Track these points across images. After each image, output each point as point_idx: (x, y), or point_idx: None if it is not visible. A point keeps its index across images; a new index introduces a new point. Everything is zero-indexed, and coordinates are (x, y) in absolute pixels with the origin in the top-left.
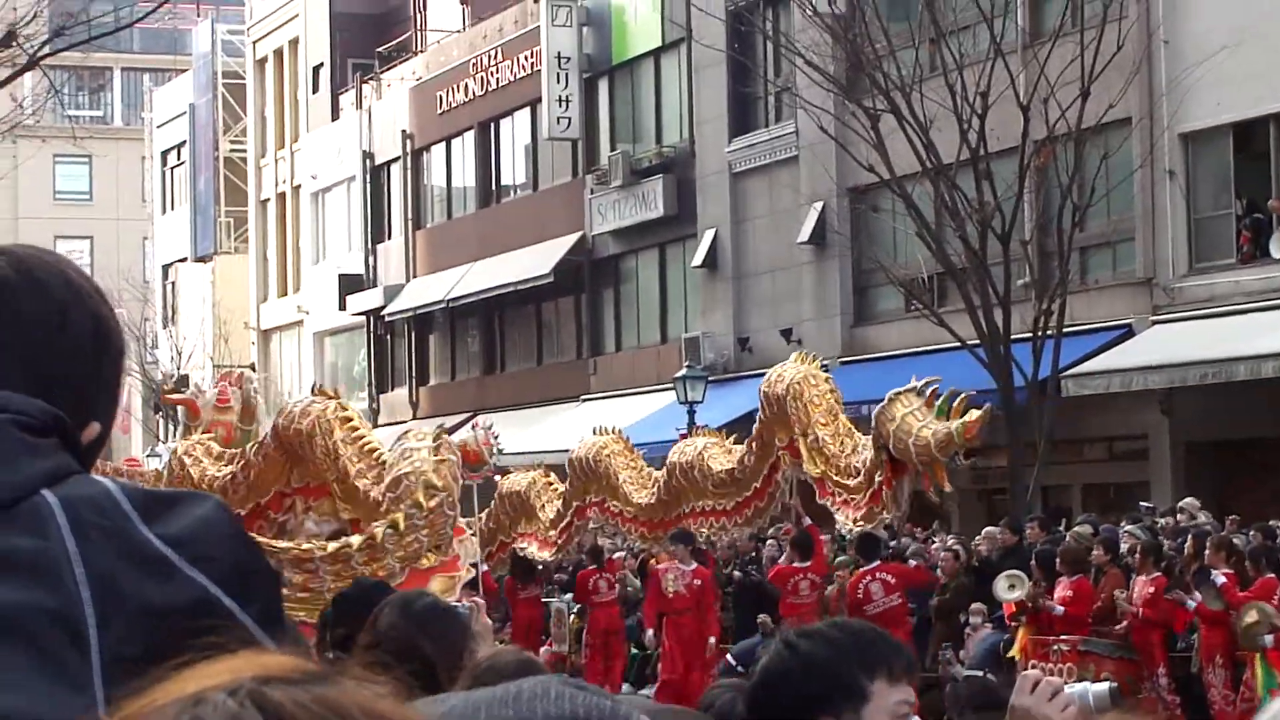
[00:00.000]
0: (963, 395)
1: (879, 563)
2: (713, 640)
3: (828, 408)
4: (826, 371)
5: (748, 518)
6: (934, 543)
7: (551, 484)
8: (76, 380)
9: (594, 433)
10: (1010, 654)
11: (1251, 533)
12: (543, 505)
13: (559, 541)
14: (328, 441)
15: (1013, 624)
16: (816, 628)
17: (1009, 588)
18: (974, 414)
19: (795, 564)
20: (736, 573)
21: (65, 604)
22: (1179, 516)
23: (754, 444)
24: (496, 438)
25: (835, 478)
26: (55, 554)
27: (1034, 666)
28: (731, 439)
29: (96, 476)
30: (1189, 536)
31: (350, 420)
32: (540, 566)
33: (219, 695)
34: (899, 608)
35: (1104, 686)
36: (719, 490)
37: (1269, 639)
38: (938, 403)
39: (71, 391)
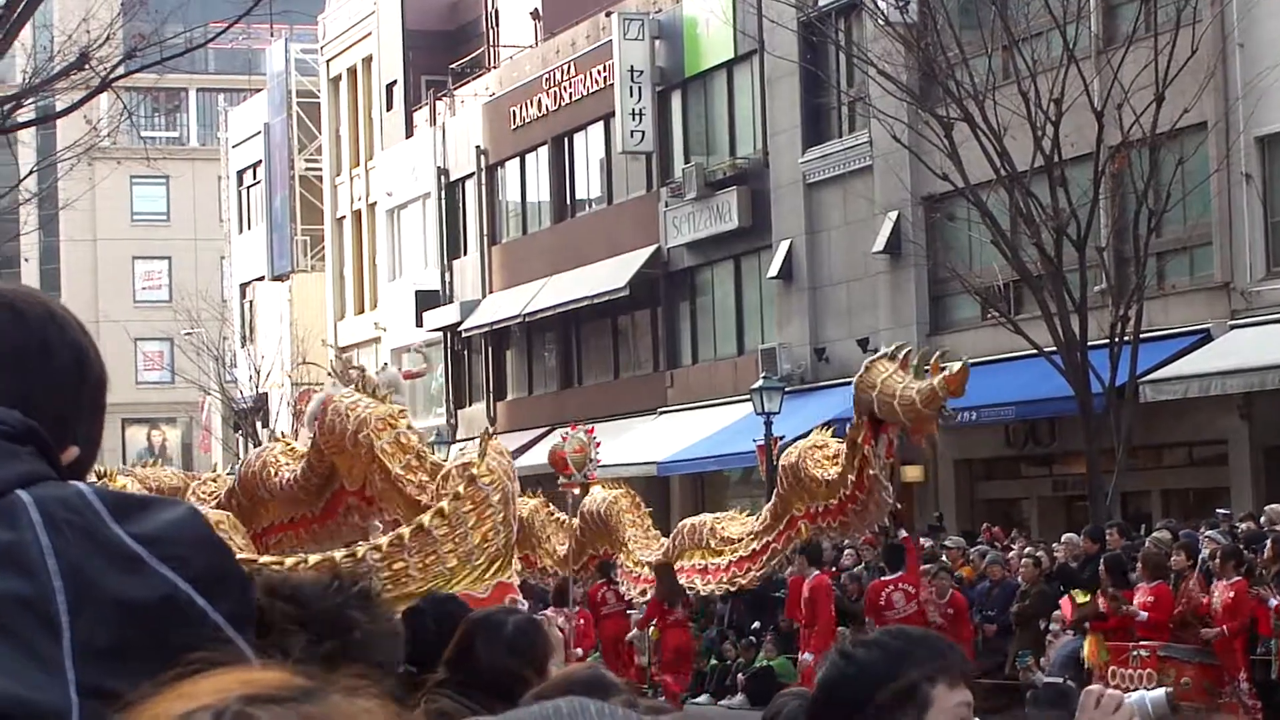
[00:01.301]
0: (938, 353)
1: (902, 573)
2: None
3: (834, 456)
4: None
5: (740, 576)
6: (1012, 550)
7: (553, 514)
8: (57, 407)
9: (603, 488)
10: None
11: None
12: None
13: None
14: (373, 443)
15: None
16: (873, 636)
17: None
18: (955, 366)
19: (887, 576)
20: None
21: (38, 593)
22: (1261, 520)
23: (771, 515)
24: (597, 444)
25: (822, 497)
26: (29, 546)
27: (1114, 673)
28: (746, 513)
29: (70, 482)
30: (1269, 540)
31: (396, 426)
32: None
33: (205, 716)
34: (917, 614)
35: (1161, 693)
36: (719, 550)
37: None
38: (913, 363)
39: (52, 417)
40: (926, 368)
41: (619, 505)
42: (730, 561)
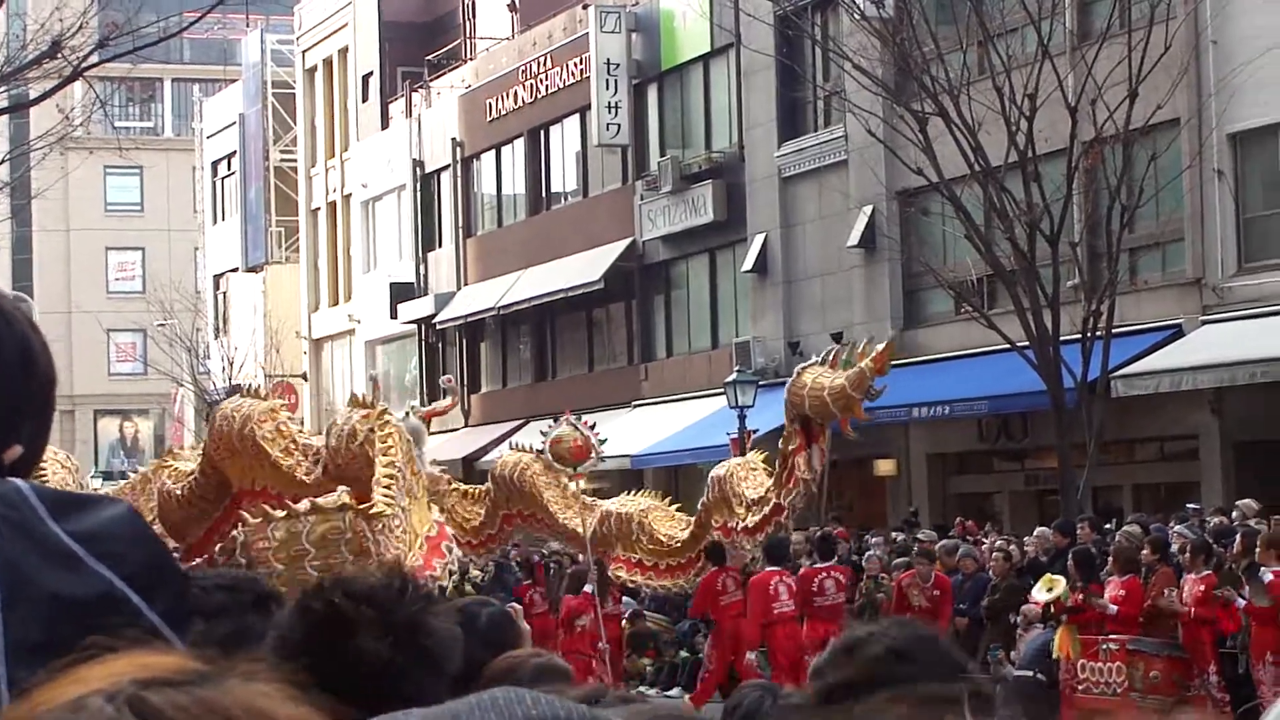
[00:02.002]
0: (864, 342)
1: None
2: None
3: (759, 482)
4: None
5: (670, 579)
6: (984, 543)
7: (454, 485)
8: (1, 404)
9: (511, 449)
10: (1054, 653)
11: None
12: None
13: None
14: (255, 435)
15: (1048, 624)
16: None
17: (1047, 589)
18: (879, 346)
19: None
20: None
21: None
22: (1233, 516)
23: (696, 524)
24: (599, 437)
25: (743, 517)
26: None
27: (1083, 665)
28: (675, 506)
29: (9, 478)
30: (1238, 535)
31: (276, 417)
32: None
33: (97, 700)
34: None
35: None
36: (653, 550)
37: None
38: (843, 359)
39: None
40: (854, 360)
41: (532, 469)
42: (665, 566)
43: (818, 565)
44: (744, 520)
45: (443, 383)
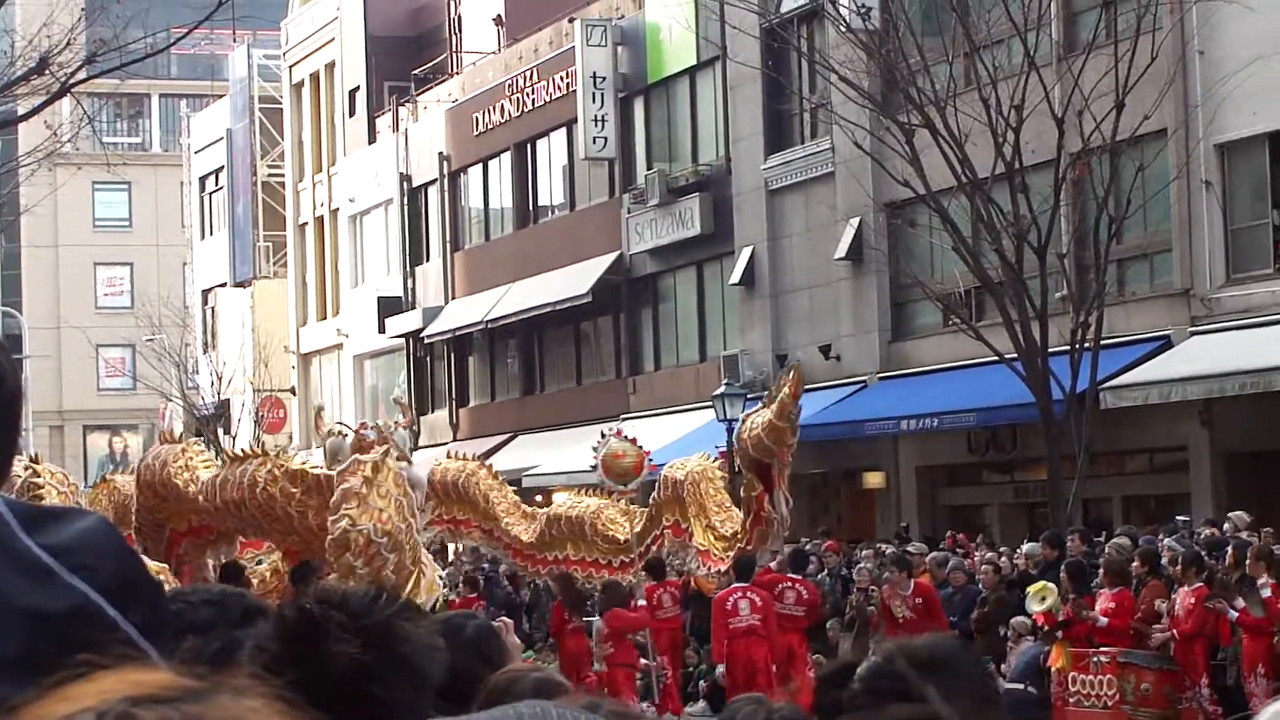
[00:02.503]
0: (787, 372)
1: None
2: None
3: (721, 500)
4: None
5: (624, 575)
6: (975, 556)
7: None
8: None
9: (449, 457)
10: (1049, 665)
11: None
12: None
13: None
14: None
15: (1039, 638)
16: None
17: (1040, 599)
18: (790, 375)
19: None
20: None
21: None
22: (1225, 528)
23: (647, 518)
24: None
25: (718, 551)
26: None
27: (1074, 679)
28: (624, 502)
29: None
30: (1229, 547)
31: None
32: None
33: (88, 718)
34: (617, 654)
35: None
36: (607, 549)
37: None
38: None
39: None
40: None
41: (477, 476)
42: (619, 564)
43: (734, 585)
44: (718, 550)
45: (395, 398)
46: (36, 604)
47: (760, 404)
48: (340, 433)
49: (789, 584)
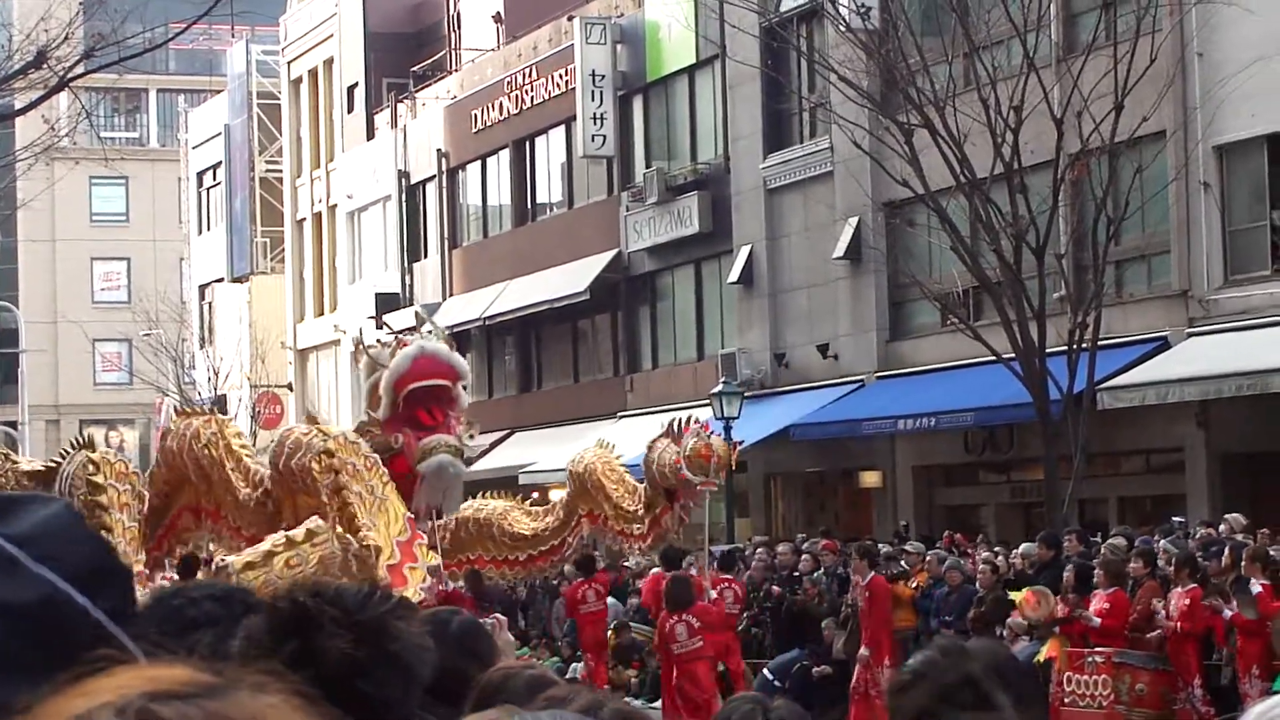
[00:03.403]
0: (692, 422)
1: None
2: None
3: (621, 478)
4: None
5: (540, 568)
6: (972, 555)
7: None
8: None
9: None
10: (1038, 658)
11: None
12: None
13: None
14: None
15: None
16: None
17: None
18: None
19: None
20: (775, 588)
21: None
22: (1221, 529)
23: (560, 511)
24: (714, 437)
25: (631, 530)
26: None
27: (1069, 678)
28: (528, 502)
29: None
30: (1225, 548)
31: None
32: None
33: (106, 713)
34: (704, 647)
35: None
36: (516, 546)
37: None
38: (688, 440)
39: None
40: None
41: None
42: (530, 556)
43: (579, 579)
44: (633, 529)
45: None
46: (4, 596)
47: (665, 434)
48: (381, 342)
49: (726, 583)
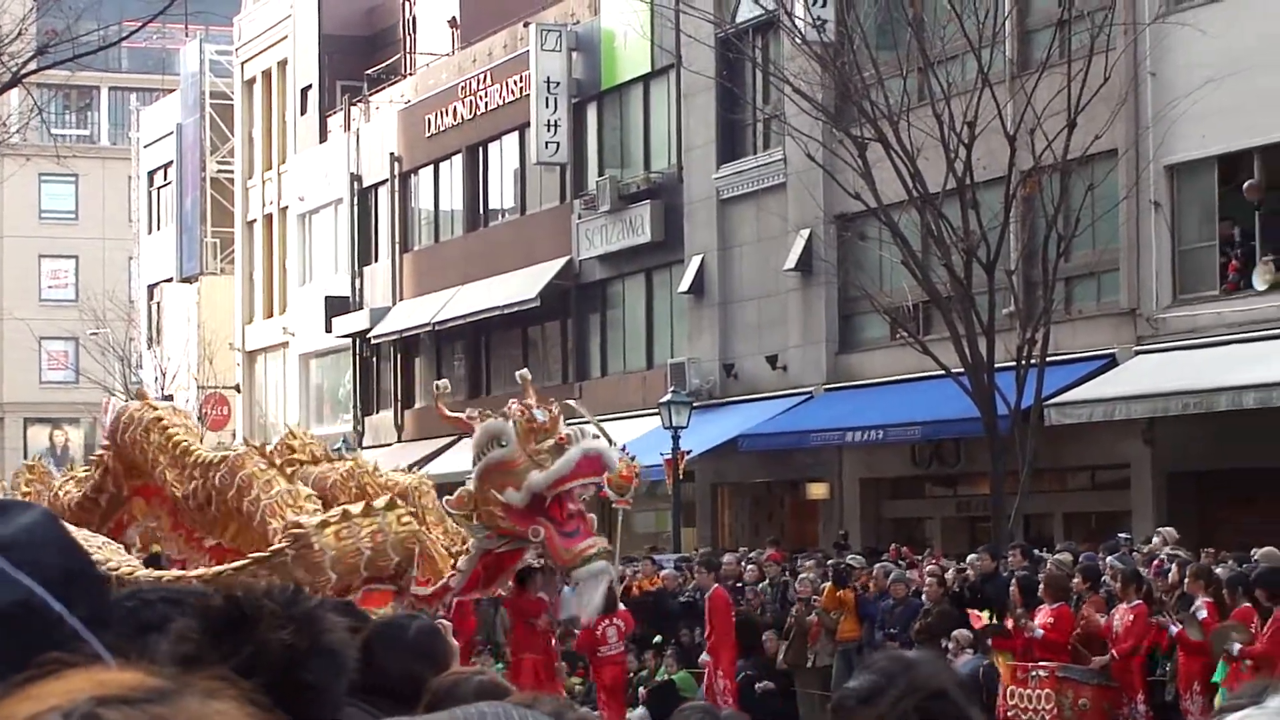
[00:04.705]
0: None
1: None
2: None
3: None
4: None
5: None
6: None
7: None
8: None
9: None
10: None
11: (1229, 562)
12: None
13: None
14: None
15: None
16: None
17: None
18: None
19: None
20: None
21: None
22: (1154, 541)
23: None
24: (635, 462)
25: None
26: None
27: (1013, 693)
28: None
29: None
30: (1174, 565)
31: (167, 426)
32: None
33: (54, 717)
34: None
35: None
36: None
37: (1236, 646)
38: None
39: None
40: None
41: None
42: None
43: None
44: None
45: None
46: None
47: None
48: (503, 414)
49: (608, 622)
